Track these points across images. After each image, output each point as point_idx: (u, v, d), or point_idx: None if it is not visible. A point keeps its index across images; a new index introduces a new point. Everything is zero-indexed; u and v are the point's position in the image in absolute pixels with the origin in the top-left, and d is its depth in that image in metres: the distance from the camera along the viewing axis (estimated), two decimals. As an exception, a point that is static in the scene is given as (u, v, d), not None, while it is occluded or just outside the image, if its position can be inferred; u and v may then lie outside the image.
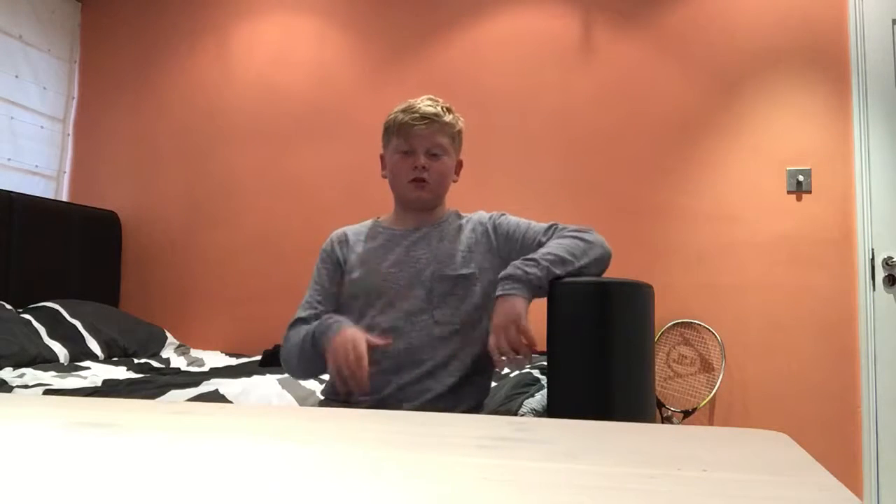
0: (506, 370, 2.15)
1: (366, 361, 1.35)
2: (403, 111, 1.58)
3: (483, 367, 1.53)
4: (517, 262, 1.44)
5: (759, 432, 0.78)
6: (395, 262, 1.54)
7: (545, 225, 1.56)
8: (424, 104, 1.58)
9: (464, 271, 1.51)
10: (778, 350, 2.77)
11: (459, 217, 1.64)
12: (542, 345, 1.41)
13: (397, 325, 1.48)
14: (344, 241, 1.63)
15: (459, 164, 1.65)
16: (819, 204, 2.78)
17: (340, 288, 1.59)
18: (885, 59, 2.78)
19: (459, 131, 1.62)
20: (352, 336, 1.38)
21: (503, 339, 1.36)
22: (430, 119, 1.55)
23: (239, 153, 3.48)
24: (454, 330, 1.48)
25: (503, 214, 1.63)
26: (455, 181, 1.64)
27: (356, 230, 1.65)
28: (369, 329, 1.47)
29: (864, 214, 2.73)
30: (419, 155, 1.55)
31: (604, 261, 1.52)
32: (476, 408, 1.54)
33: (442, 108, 1.59)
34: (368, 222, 1.67)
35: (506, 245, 1.55)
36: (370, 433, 0.79)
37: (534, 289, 1.41)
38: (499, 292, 1.41)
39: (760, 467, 0.63)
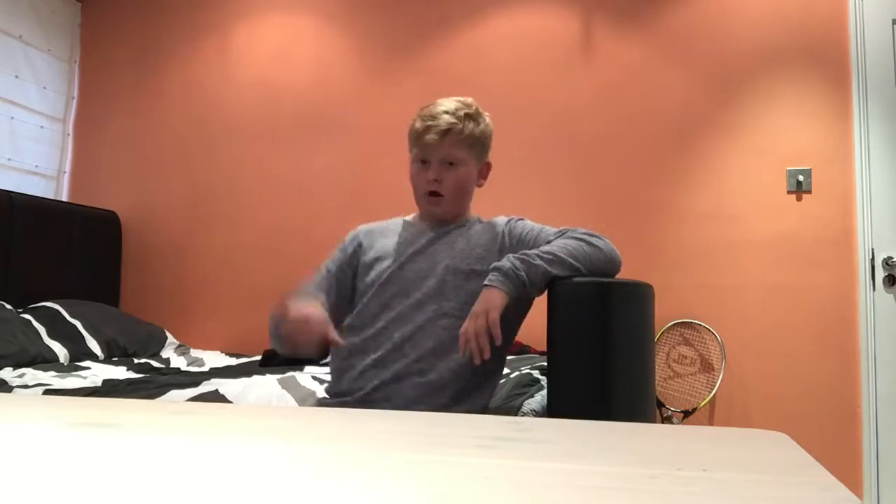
0: (506, 371, 2.15)
1: (323, 322, 1.38)
2: (423, 118, 1.56)
3: (485, 366, 1.52)
4: (510, 256, 1.45)
5: (759, 432, 0.78)
6: (414, 254, 1.56)
7: (557, 229, 1.57)
8: (443, 113, 1.54)
9: (476, 267, 1.52)
10: (778, 350, 2.77)
11: (481, 221, 1.65)
12: (541, 345, 1.41)
13: (405, 312, 1.50)
14: (365, 233, 1.65)
15: (486, 167, 1.64)
16: (819, 204, 2.78)
17: (347, 278, 1.62)
18: (885, 59, 2.78)
19: (481, 136, 1.59)
20: (310, 308, 1.40)
21: (471, 326, 1.38)
22: (444, 130, 1.53)
23: (239, 153, 3.48)
24: (459, 323, 1.46)
25: (521, 219, 1.63)
26: (480, 185, 1.64)
27: (381, 225, 1.67)
28: (379, 314, 1.51)
29: (864, 214, 2.73)
30: (433, 166, 1.55)
31: (608, 269, 1.50)
32: (479, 409, 1.53)
33: (463, 115, 1.55)
34: (396, 220, 1.68)
35: (517, 247, 1.55)
36: (369, 433, 0.79)
37: (518, 284, 1.41)
38: (485, 282, 1.43)
39: (760, 467, 0.63)
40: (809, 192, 2.80)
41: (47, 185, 3.55)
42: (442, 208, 1.58)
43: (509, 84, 3.15)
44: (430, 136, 1.53)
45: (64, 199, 3.62)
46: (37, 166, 3.48)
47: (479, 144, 1.59)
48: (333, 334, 1.39)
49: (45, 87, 3.52)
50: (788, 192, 2.82)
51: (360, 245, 1.64)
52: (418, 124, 1.56)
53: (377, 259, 1.58)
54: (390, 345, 1.48)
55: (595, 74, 3.07)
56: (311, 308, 1.40)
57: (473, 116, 1.57)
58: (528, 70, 3.14)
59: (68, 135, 3.69)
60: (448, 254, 1.55)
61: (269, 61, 3.48)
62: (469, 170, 1.58)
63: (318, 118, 3.38)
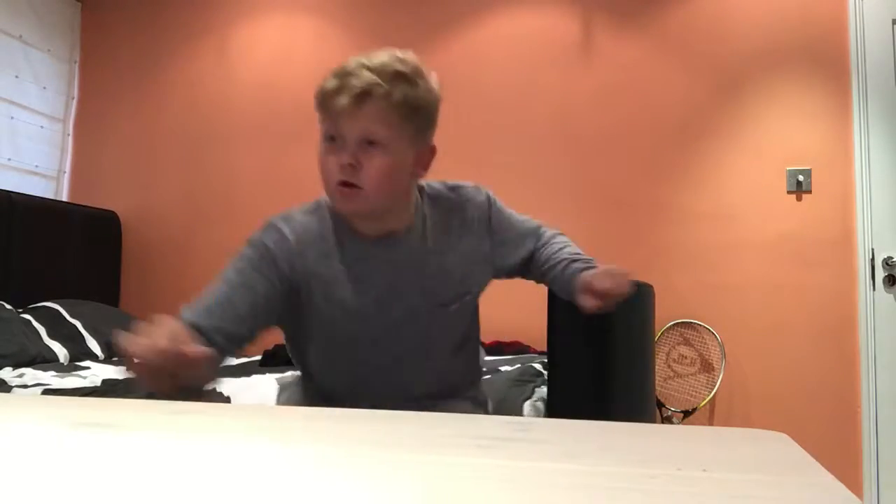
0: (505, 369, 2.14)
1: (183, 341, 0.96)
2: (336, 74, 1.10)
3: (471, 372, 1.40)
4: (581, 263, 1.26)
5: (759, 432, 0.78)
6: (379, 297, 1.20)
7: (534, 224, 1.39)
8: (363, 69, 1.08)
9: (460, 290, 1.26)
10: (778, 350, 2.77)
11: (432, 203, 1.25)
12: (541, 345, 1.41)
13: (385, 364, 1.24)
14: (293, 245, 1.22)
15: (429, 153, 1.20)
16: (819, 204, 2.78)
17: (276, 306, 1.18)
18: (885, 59, 2.78)
19: (421, 106, 1.12)
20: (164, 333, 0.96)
21: (606, 281, 1.13)
22: (361, 93, 1.07)
23: (239, 153, 3.47)
24: (450, 350, 1.32)
25: (494, 206, 1.33)
26: (420, 176, 1.21)
27: (311, 233, 1.23)
28: (354, 369, 1.23)
29: (864, 214, 2.73)
30: (348, 146, 1.10)
31: None
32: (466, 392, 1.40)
33: (392, 73, 1.09)
34: (322, 216, 1.25)
35: (504, 246, 1.34)
36: (369, 433, 0.79)
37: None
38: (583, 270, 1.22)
39: (760, 467, 0.63)
40: (809, 192, 2.80)
41: (47, 185, 3.55)
42: (356, 205, 1.14)
43: (509, 83, 3.15)
44: (342, 101, 1.07)
45: (64, 199, 3.62)
46: (37, 166, 3.48)
47: (418, 118, 1.13)
48: (200, 350, 0.96)
49: (45, 87, 3.52)
50: (788, 192, 2.82)
51: (292, 264, 1.19)
52: (329, 84, 1.10)
53: (326, 300, 1.19)
54: (371, 401, 1.08)
55: (595, 74, 3.07)
56: (165, 332, 0.96)
57: (408, 77, 1.10)
58: (528, 70, 3.14)
59: (68, 135, 3.68)
60: (421, 287, 1.22)
61: (269, 61, 3.48)
62: (398, 156, 1.12)
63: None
